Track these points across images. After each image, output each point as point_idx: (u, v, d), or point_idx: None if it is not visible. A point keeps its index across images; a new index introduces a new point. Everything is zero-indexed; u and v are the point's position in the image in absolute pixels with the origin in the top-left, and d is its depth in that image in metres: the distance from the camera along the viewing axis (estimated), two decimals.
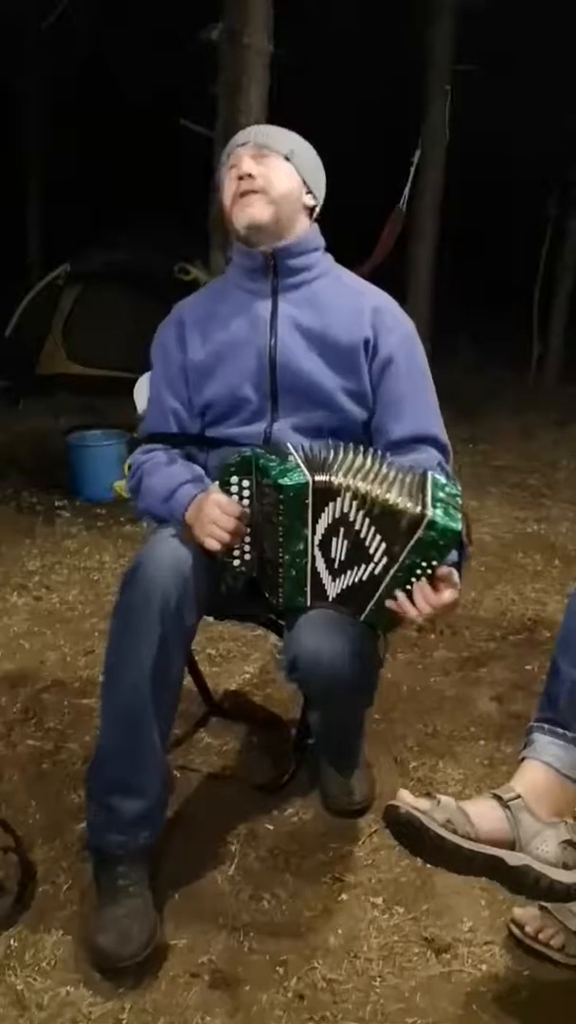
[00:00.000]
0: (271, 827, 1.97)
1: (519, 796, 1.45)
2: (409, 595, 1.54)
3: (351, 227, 5.39)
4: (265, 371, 1.79)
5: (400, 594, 1.55)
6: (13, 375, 5.99)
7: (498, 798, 1.45)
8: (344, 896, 1.79)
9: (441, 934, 1.70)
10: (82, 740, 2.25)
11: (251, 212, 1.77)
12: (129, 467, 1.91)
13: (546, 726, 1.53)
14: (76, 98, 8.47)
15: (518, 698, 2.49)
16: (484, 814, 1.43)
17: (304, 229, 1.83)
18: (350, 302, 1.82)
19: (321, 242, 1.88)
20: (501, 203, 8.93)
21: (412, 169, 5.63)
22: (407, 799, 1.42)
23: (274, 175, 1.77)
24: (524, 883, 1.41)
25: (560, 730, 1.51)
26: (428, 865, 1.51)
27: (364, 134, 8.20)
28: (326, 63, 7.41)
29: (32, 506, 4.10)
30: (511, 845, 1.41)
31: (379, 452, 1.63)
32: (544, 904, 1.64)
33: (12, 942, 1.65)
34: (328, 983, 1.59)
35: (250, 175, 1.75)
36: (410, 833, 1.41)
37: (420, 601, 1.54)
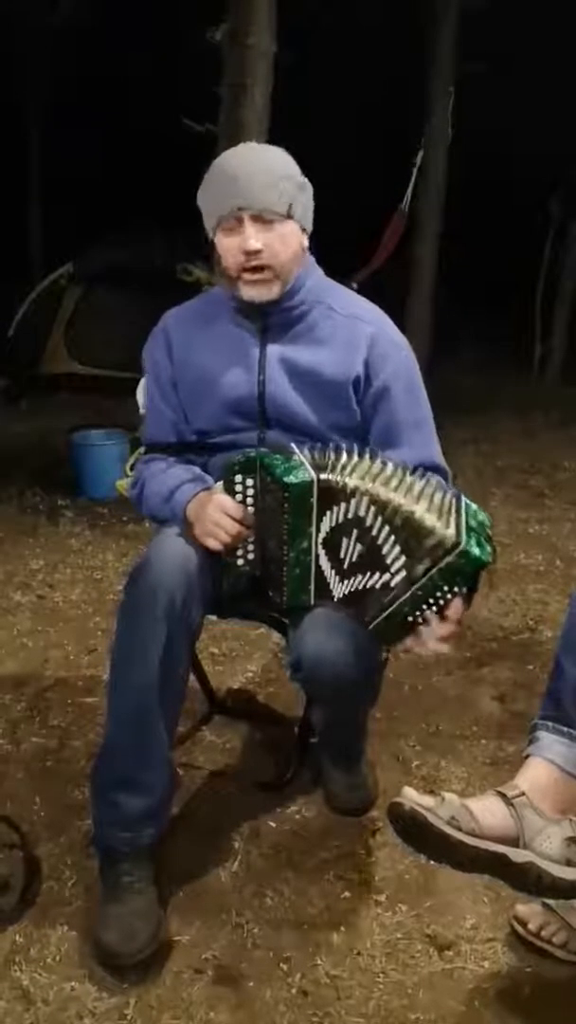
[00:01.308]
0: (274, 824, 1.98)
1: (523, 793, 1.46)
2: (414, 627, 1.54)
3: (353, 228, 5.41)
4: (253, 404, 1.79)
5: (409, 640, 1.55)
6: (16, 375, 6.00)
7: (502, 795, 1.46)
8: (347, 893, 1.80)
9: (444, 931, 1.70)
10: (86, 738, 2.26)
11: (260, 292, 1.72)
12: (131, 468, 1.92)
13: (550, 724, 1.54)
14: (76, 98, 8.47)
15: (520, 697, 2.50)
16: (488, 811, 1.43)
17: (299, 270, 1.78)
18: (343, 333, 1.79)
19: (311, 271, 1.82)
20: (503, 203, 8.93)
21: (414, 170, 5.63)
22: (411, 796, 1.43)
23: (280, 245, 1.70)
24: (527, 880, 1.41)
25: (564, 728, 1.52)
26: (431, 862, 1.51)
27: (366, 135, 8.20)
28: (328, 63, 7.41)
29: (35, 505, 4.10)
30: (515, 842, 1.42)
31: (394, 460, 1.61)
32: (547, 901, 1.65)
33: (17, 938, 1.66)
34: (331, 979, 1.60)
35: (257, 251, 1.68)
36: (414, 830, 1.42)
37: (429, 639, 1.54)
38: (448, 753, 2.25)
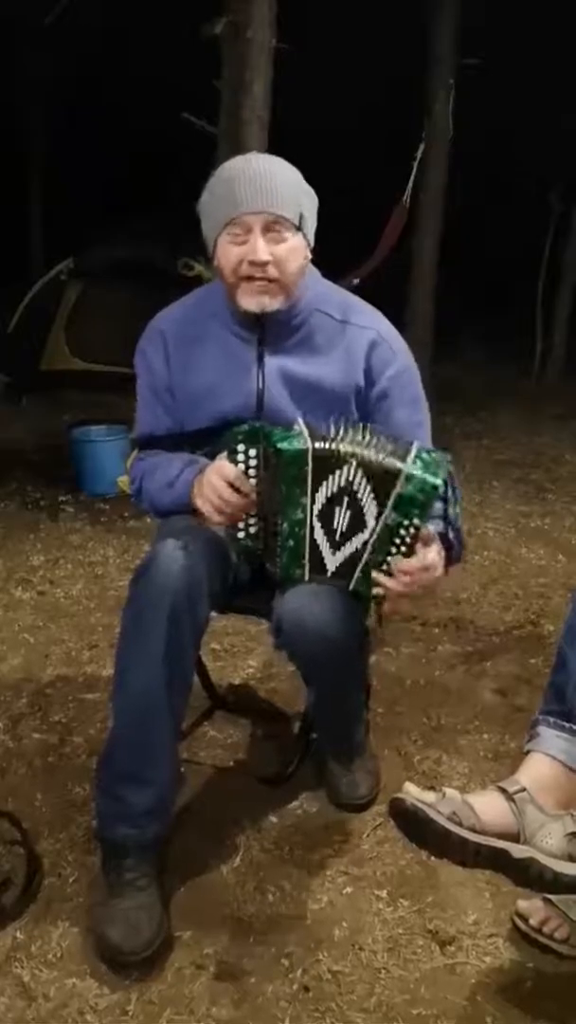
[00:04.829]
0: (276, 820, 1.98)
1: (524, 789, 1.46)
2: (389, 569, 1.58)
3: (354, 223, 5.39)
4: (251, 416, 1.76)
5: (381, 576, 1.58)
6: (16, 371, 5.99)
7: (503, 791, 1.46)
8: (349, 889, 1.80)
9: (445, 926, 1.70)
10: (87, 733, 2.26)
11: (260, 301, 1.67)
12: (130, 468, 1.92)
13: (551, 719, 1.53)
14: (77, 97, 8.45)
15: (522, 691, 2.50)
16: (489, 807, 1.43)
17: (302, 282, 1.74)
18: (342, 341, 1.76)
19: (310, 277, 1.78)
20: (504, 199, 8.91)
21: (415, 164, 5.61)
22: (412, 792, 1.43)
23: (287, 257, 1.65)
24: (529, 875, 1.41)
25: (565, 723, 1.52)
26: (433, 858, 1.51)
27: (367, 130, 8.17)
28: (329, 58, 7.38)
29: (36, 501, 4.11)
30: (516, 838, 1.42)
31: (378, 429, 1.64)
32: (548, 896, 1.64)
33: (18, 934, 1.66)
34: (333, 975, 1.59)
35: (264, 263, 1.63)
36: (415, 826, 1.42)
37: (398, 575, 1.58)
38: (450, 748, 2.25)
